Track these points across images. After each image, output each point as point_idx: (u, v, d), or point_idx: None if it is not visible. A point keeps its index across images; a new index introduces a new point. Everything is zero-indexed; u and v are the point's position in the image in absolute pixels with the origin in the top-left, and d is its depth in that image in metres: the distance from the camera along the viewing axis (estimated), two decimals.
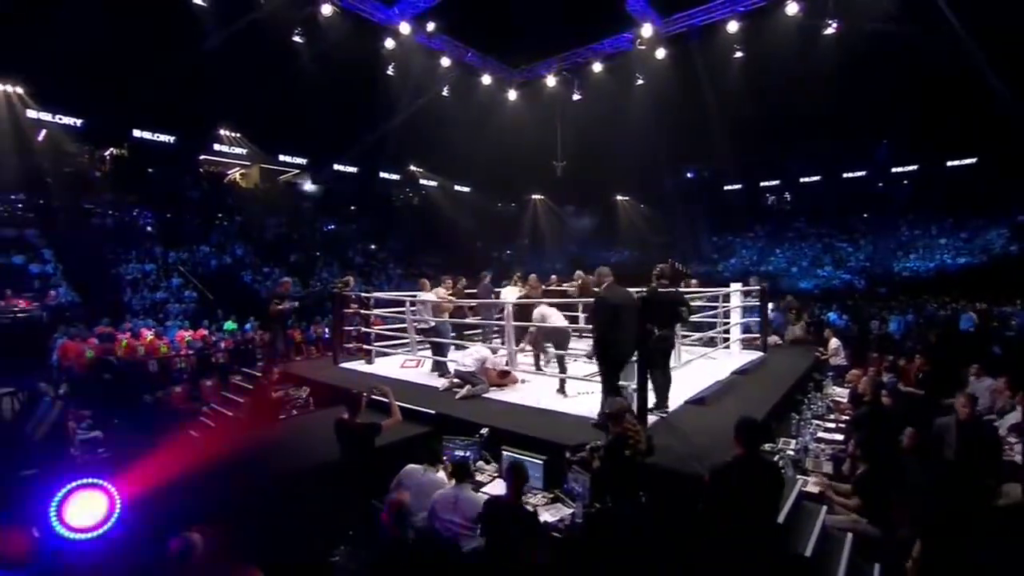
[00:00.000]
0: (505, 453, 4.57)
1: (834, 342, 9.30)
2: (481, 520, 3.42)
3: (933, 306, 16.58)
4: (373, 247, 25.22)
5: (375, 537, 3.63)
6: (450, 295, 8.05)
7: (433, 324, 7.63)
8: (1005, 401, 6.69)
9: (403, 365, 7.97)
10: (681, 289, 6.67)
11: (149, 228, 18.42)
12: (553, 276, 9.86)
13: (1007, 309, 15.00)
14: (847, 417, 6.18)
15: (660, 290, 5.19)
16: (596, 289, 5.15)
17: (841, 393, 7.37)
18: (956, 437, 4.90)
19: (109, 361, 9.82)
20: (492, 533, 3.33)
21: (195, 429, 7.18)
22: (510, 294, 8.27)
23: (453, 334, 7.92)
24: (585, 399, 5.66)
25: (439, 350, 7.43)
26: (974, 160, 24.72)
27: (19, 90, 16.96)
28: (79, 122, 18.68)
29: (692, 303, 5.62)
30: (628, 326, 4.60)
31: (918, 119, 22.37)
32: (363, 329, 8.68)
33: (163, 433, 6.67)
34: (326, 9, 13.83)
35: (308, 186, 27.69)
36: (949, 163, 25.47)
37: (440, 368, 7.24)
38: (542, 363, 7.08)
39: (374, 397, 4.68)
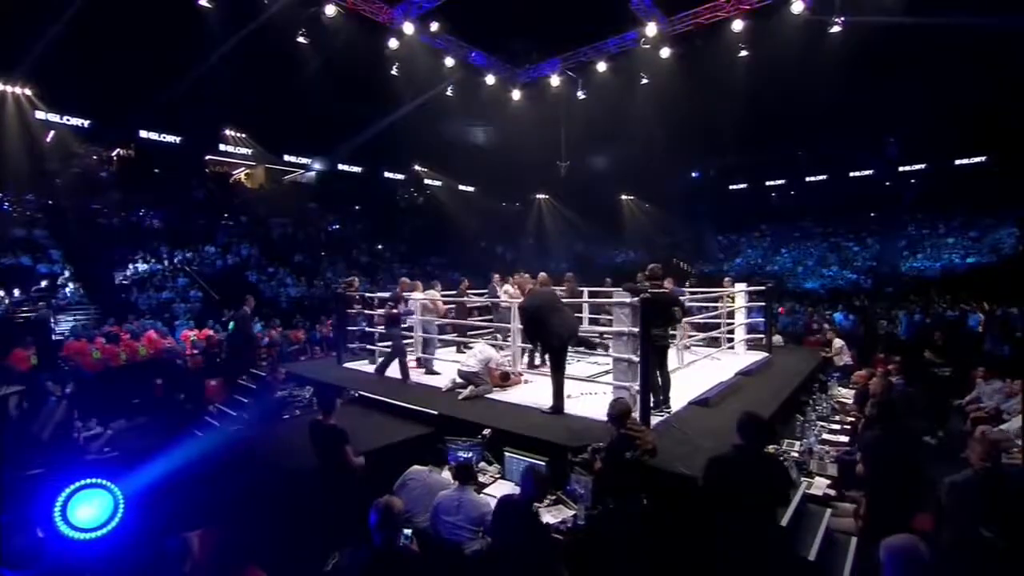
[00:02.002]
0: (507, 454, 4.57)
1: (838, 342, 9.23)
2: (492, 520, 3.39)
3: (942, 306, 16.40)
4: (378, 247, 25.26)
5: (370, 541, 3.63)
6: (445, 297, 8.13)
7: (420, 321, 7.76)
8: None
9: None
10: (685, 289, 6.66)
11: (156, 228, 18.53)
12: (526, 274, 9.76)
13: (1015, 310, 14.80)
14: (852, 419, 6.12)
15: (652, 291, 5.18)
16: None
17: (846, 394, 7.27)
18: (980, 502, 3.39)
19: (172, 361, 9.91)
20: (500, 535, 3.28)
21: (200, 429, 7.23)
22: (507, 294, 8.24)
23: (439, 335, 8.09)
24: (588, 400, 5.65)
25: (425, 347, 7.62)
26: (983, 159, 24.46)
27: (27, 91, 17.08)
28: (86, 123, 18.78)
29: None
30: (550, 321, 5.19)
31: (926, 117, 22.14)
32: (367, 329, 8.69)
33: (169, 433, 6.74)
34: (330, 9, 13.86)
35: (312, 186, 27.75)
36: (958, 161, 25.18)
37: (423, 364, 7.46)
38: (537, 361, 7.22)
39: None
